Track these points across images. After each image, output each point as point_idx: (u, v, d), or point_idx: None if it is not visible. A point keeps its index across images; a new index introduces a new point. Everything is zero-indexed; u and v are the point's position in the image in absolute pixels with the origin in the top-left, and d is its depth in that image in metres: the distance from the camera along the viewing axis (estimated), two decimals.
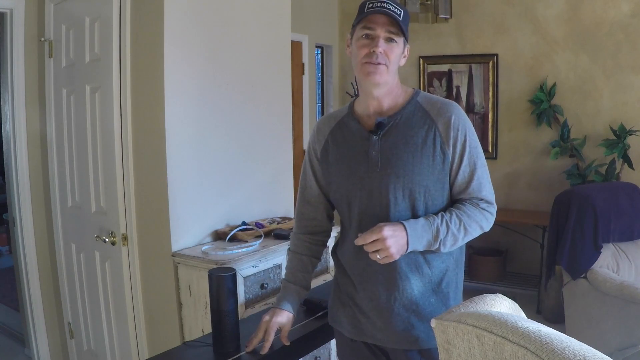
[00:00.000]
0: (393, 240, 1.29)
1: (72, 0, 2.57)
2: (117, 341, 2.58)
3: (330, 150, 1.51)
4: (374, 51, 1.35)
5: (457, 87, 4.60)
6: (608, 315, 2.71)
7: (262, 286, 2.30)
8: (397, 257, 1.32)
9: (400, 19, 1.34)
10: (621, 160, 3.84)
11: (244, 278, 2.22)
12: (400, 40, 1.37)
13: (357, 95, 1.56)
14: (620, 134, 3.82)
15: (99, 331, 2.67)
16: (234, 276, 1.56)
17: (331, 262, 1.92)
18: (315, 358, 2.44)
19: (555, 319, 3.62)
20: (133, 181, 2.38)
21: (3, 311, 4.02)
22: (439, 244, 1.35)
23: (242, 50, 2.57)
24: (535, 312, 3.93)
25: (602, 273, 2.82)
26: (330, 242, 1.90)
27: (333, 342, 1.91)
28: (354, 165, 1.43)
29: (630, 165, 3.80)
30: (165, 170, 2.26)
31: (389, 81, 1.40)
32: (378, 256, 1.31)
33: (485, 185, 1.43)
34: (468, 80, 4.54)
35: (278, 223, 2.64)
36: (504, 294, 1.18)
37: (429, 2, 4.41)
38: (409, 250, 1.33)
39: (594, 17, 4.01)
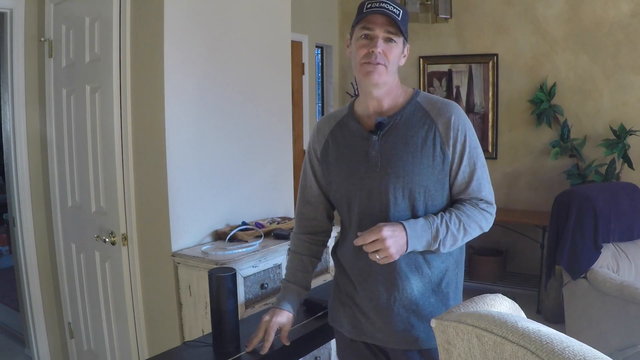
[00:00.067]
0: (392, 241, 1.29)
1: (72, 0, 2.57)
2: (117, 341, 2.58)
3: (330, 150, 1.51)
4: (372, 51, 1.35)
5: (457, 87, 4.60)
6: (608, 315, 2.71)
7: (262, 286, 2.30)
8: (396, 257, 1.32)
9: (399, 18, 1.34)
10: (621, 160, 3.84)
11: (244, 278, 2.22)
12: (399, 40, 1.37)
13: (357, 95, 1.56)
14: (620, 134, 3.83)
15: (99, 331, 2.67)
16: (234, 276, 1.56)
17: (331, 262, 1.92)
18: (315, 358, 2.44)
19: (555, 319, 3.62)
20: (133, 181, 2.38)
21: (3, 311, 4.02)
22: (439, 244, 1.35)
23: (242, 50, 2.57)
24: (535, 312, 3.93)
25: (602, 273, 2.82)
26: (330, 242, 1.89)
27: (333, 342, 1.91)
28: (354, 165, 1.43)
29: (630, 165, 3.80)
30: (165, 170, 2.26)
31: (388, 81, 1.40)
32: (377, 256, 1.31)
33: (484, 186, 1.43)
34: (468, 80, 4.54)
35: (278, 223, 2.64)
36: (504, 294, 1.18)
37: (429, 2, 4.41)
38: (408, 251, 1.33)
39: (594, 17, 4.01)
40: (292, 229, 1.70)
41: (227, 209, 2.53)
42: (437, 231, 1.35)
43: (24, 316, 2.94)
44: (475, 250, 4.40)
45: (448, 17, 4.41)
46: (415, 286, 1.41)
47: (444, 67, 4.64)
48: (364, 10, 1.35)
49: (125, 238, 2.42)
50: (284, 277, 1.65)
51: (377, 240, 1.29)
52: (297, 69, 4.35)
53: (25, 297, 2.88)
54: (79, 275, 2.75)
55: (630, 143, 3.84)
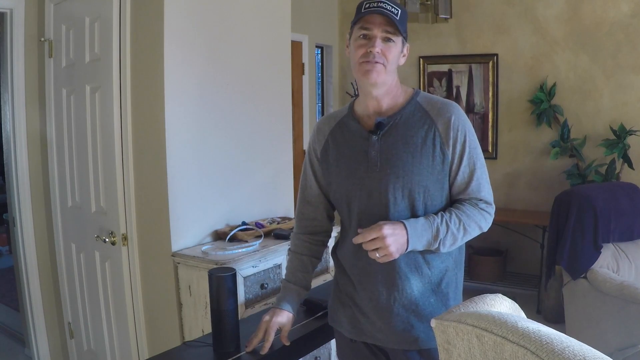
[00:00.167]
0: (393, 239, 1.29)
1: (72, 0, 2.57)
2: (117, 341, 2.58)
3: (330, 151, 1.51)
4: (370, 51, 1.35)
5: (457, 87, 4.60)
6: (608, 315, 2.71)
7: (262, 286, 2.30)
8: (396, 256, 1.31)
9: (398, 18, 1.34)
10: (621, 160, 3.84)
11: (244, 278, 2.22)
12: (398, 39, 1.37)
13: (357, 96, 1.56)
14: (620, 134, 3.82)
15: (99, 331, 2.67)
16: (234, 276, 1.56)
17: (331, 262, 1.92)
18: (315, 358, 2.44)
19: (555, 319, 3.62)
20: (133, 181, 2.38)
21: (3, 311, 4.02)
22: (439, 244, 1.35)
23: (242, 50, 2.57)
24: (535, 312, 3.93)
25: (602, 273, 2.82)
26: (330, 242, 1.89)
27: (333, 342, 1.91)
28: (354, 165, 1.43)
29: (630, 165, 3.80)
30: (165, 170, 2.26)
31: (387, 81, 1.40)
32: (377, 254, 1.30)
33: (484, 186, 1.43)
34: (468, 80, 4.54)
35: (278, 223, 2.64)
36: (504, 294, 1.18)
37: (429, 2, 4.42)
38: (408, 250, 1.33)
39: (594, 17, 4.01)
40: (292, 229, 1.70)
41: (227, 209, 2.53)
42: (438, 230, 1.35)
43: (24, 316, 2.94)
44: (475, 250, 4.39)
45: (448, 17, 4.41)
46: (415, 286, 1.41)
47: (444, 67, 4.64)
48: (362, 10, 1.35)
49: (125, 238, 2.42)
50: (284, 277, 1.65)
51: (377, 238, 1.29)
52: (297, 69, 4.35)
53: (25, 297, 2.88)
54: (79, 275, 2.75)
55: (630, 143, 3.84)
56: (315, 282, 2.36)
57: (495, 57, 4.40)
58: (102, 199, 2.52)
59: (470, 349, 0.97)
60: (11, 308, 3.97)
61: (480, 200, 1.43)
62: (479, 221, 1.41)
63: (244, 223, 2.53)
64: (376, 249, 1.30)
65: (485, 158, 1.46)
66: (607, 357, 0.81)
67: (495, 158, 4.48)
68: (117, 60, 2.34)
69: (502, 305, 1.13)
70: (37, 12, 2.75)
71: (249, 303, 2.24)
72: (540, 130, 4.26)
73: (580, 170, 4.00)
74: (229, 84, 2.51)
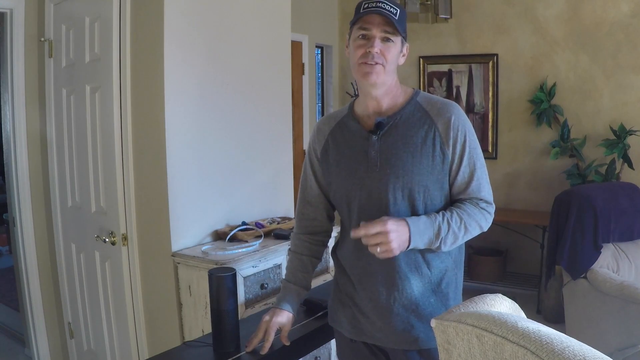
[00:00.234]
0: (395, 235, 1.28)
1: (72, 0, 2.57)
2: (117, 341, 2.58)
3: (330, 151, 1.51)
4: (369, 51, 1.35)
5: (457, 87, 4.60)
6: (608, 315, 2.71)
7: (262, 286, 2.30)
8: (397, 252, 1.30)
9: (396, 18, 1.34)
10: (621, 160, 3.84)
11: (244, 278, 2.22)
12: (397, 39, 1.37)
13: (357, 96, 1.56)
14: (620, 134, 3.82)
15: (99, 331, 2.67)
16: (234, 276, 1.56)
17: (331, 262, 1.92)
18: (315, 358, 2.44)
19: (555, 319, 3.62)
20: (133, 181, 2.38)
21: (3, 311, 4.02)
22: (440, 242, 1.35)
23: (242, 50, 2.57)
24: (535, 312, 3.93)
25: (602, 273, 2.82)
26: (331, 242, 1.90)
27: (333, 342, 1.91)
28: (354, 165, 1.43)
29: (630, 165, 3.80)
30: (165, 170, 2.26)
31: (386, 81, 1.40)
32: (378, 249, 1.29)
33: (484, 186, 1.43)
34: (468, 80, 4.54)
35: (278, 223, 2.64)
36: (504, 294, 1.18)
37: (429, 2, 4.42)
38: (410, 247, 1.32)
39: (594, 17, 4.01)
40: (292, 229, 1.70)
41: (227, 209, 2.53)
42: (439, 229, 1.34)
43: (24, 316, 2.94)
44: (475, 250, 4.39)
45: (448, 17, 4.41)
46: (415, 286, 1.41)
47: (444, 67, 4.64)
48: (361, 11, 1.35)
49: (125, 238, 2.42)
50: (284, 277, 1.65)
51: (380, 233, 1.27)
52: (297, 69, 4.35)
53: (25, 297, 2.88)
54: (79, 275, 2.75)
55: (630, 143, 3.84)
56: (315, 282, 2.36)
57: (495, 57, 4.40)
58: (102, 199, 2.52)
59: (470, 349, 0.97)
60: (11, 308, 3.97)
61: (481, 199, 1.43)
62: (479, 220, 1.41)
63: (244, 223, 2.53)
64: (377, 244, 1.28)
65: (485, 158, 1.46)
66: (607, 357, 0.81)
67: (495, 158, 4.48)
68: (117, 60, 2.33)
69: (502, 305, 1.13)
70: (37, 12, 2.75)
71: (249, 303, 2.24)
72: (540, 130, 4.26)
73: (580, 170, 4.00)
74: (229, 84, 2.51)
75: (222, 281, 1.53)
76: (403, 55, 1.43)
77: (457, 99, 4.55)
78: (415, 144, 1.38)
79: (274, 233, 2.48)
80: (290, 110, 2.92)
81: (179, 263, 2.28)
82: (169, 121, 2.25)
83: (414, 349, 1.42)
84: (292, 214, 2.86)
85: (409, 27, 1.46)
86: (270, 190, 2.78)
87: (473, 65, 4.50)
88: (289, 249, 1.66)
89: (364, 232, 1.29)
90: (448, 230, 1.35)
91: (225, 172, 2.52)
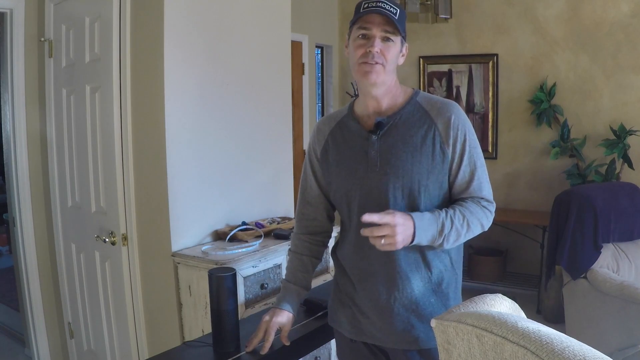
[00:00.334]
0: (402, 229, 1.26)
1: (72, 0, 2.57)
2: (117, 341, 2.58)
3: (330, 151, 1.51)
4: (370, 51, 1.35)
5: (457, 87, 4.60)
6: (608, 315, 2.71)
7: (262, 286, 2.30)
8: (400, 247, 1.28)
9: (396, 17, 1.34)
10: (621, 160, 3.84)
11: (244, 278, 2.22)
12: (397, 39, 1.37)
13: (357, 96, 1.56)
14: (620, 134, 3.83)
15: (99, 331, 2.67)
16: (234, 276, 1.56)
17: (331, 262, 1.92)
18: (315, 358, 2.44)
19: (555, 319, 3.62)
20: (133, 181, 2.38)
21: (3, 311, 4.03)
22: (443, 239, 1.34)
23: (242, 50, 2.57)
24: (535, 312, 3.93)
25: (602, 273, 2.82)
26: (331, 242, 1.90)
27: (333, 342, 1.91)
28: (354, 165, 1.43)
29: (630, 165, 3.80)
30: (165, 170, 2.26)
31: (386, 80, 1.40)
32: (382, 241, 1.26)
33: (485, 185, 1.43)
34: (468, 80, 4.54)
35: (278, 223, 2.64)
36: (504, 294, 1.18)
37: (429, 2, 4.42)
38: (413, 243, 1.30)
39: (594, 17, 4.01)
40: (292, 229, 1.70)
41: (227, 209, 2.53)
42: (443, 225, 1.33)
43: (24, 316, 2.94)
44: (475, 250, 4.39)
45: (448, 17, 4.41)
46: (415, 286, 1.41)
47: (444, 67, 4.64)
48: (361, 10, 1.35)
49: (125, 238, 2.42)
50: (284, 277, 1.65)
51: (388, 225, 1.26)
52: (297, 69, 4.35)
53: (25, 297, 2.88)
54: (79, 275, 2.75)
55: (630, 143, 3.84)
56: (315, 282, 2.36)
57: (495, 57, 4.40)
58: (102, 199, 2.52)
59: (470, 349, 0.97)
60: (11, 308, 3.97)
61: (482, 198, 1.43)
62: (481, 218, 1.40)
63: (244, 223, 2.53)
64: (381, 237, 1.26)
65: (485, 158, 1.46)
66: (607, 357, 0.81)
67: (495, 158, 4.48)
68: (117, 60, 2.33)
69: (502, 305, 1.13)
70: (37, 12, 2.75)
71: (249, 303, 2.24)
72: (540, 130, 4.26)
73: (580, 170, 4.00)
74: (229, 84, 2.51)
75: (222, 281, 1.53)
76: (402, 55, 1.43)
77: (457, 99, 4.55)
78: (415, 143, 1.38)
79: (274, 233, 2.48)
80: (290, 110, 2.92)
81: (179, 263, 2.28)
82: (169, 121, 2.25)
83: (414, 349, 1.42)
84: (292, 214, 2.86)
85: (408, 27, 1.46)
86: (270, 190, 2.78)
87: (473, 65, 4.51)
88: (289, 249, 1.66)
89: (377, 218, 1.26)
90: (451, 228, 1.34)
91: (225, 172, 2.52)
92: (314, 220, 1.61)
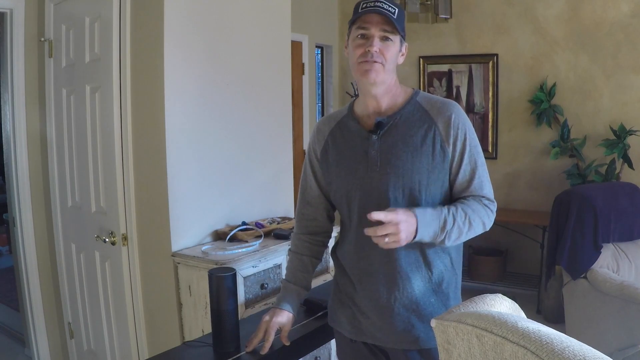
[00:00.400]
0: (405, 226, 1.26)
1: (72, 0, 2.57)
2: (117, 341, 2.58)
3: (330, 151, 1.51)
4: (369, 50, 1.35)
5: (457, 87, 4.60)
6: (608, 315, 2.71)
7: (262, 286, 2.30)
8: (403, 243, 1.27)
9: (395, 17, 1.34)
10: (621, 160, 3.84)
11: (244, 278, 2.22)
12: (396, 38, 1.37)
13: (357, 96, 1.56)
14: (620, 134, 3.83)
15: (99, 331, 2.67)
16: (234, 276, 1.56)
17: (331, 262, 1.92)
18: (315, 358, 2.44)
19: (555, 319, 3.62)
20: (133, 181, 2.38)
21: (3, 311, 4.02)
22: (445, 236, 1.33)
23: (242, 50, 2.57)
24: (535, 312, 3.93)
25: (602, 273, 2.82)
26: (331, 242, 1.90)
27: (333, 342, 1.91)
28: (354, 165, 1.43)
29: (630, 165, 3.80)
30: (165, 171, 2.26)
31: (386, 80, 1.40)
32: (386, 239, 1.25)
33: (486, 184, 1.43)
34: (468, 80, 4.54)
35: (278, 223, 2.64)
36: (504, 294, 1.18)
37: (429, 2, 4.42)
38: (415, 240, 1.29)
39: (594, 17, 4.01)
40: (292, 229, 1.70)
41: (227, 209, 2.53)
42: (445, 222, 1.32)
43: (24, 316, 2.94)
44: (475, 250, 4.39)
45: (448, 17, 4.41)
46: (416, 286, 1.41)
47: (444, 67, 4.64)
48: (359, 10, 1.36)
49: (125, 238, 2.42)
50: (284, 277, 1.65)
51: (392, 222, 1.24)
52: (297, 69, 4.35)
53: (25, 297, 2.88)
54: (79, 275, 2.75)
55: (630, 143, 3.84)
56: (315, 282, 2.36)
57: (495, 57, 4.40)
58: (102, 199, 2.52)
59: (470, 349, 0.97)
60: (11, 308, 3.97)
61: (483, 197, 1.43)
62: (483, 217, 1.40)
63: (244, 223, 2.53)
64: (385, 235, 1.25)
65: (485, 158, 1.46)
66: (607, 357, 0.81)
67: (495, 158, 4.47)
68: (117, 60, 2.33)
69: (502, 305, 1.13)
70: (37, 12, 2.75)
71: (249, 303, 2.24)
72: (540, 130, 4.26)
73: (580, 170, 4.00)
74: (229, 84, 2.51)
75: (222, 281, 1.53)
76: (402, 55, 1.43)
77: (457, 99, 4.55)
78: (415, 143, 1.38)
79: (274, 233, 2.48)
80: (290, 110, 2.92)
81: (179, 263, 2.28)
82: (169, 121, 2.25)
83: (414, 349, 1.42)
84: (292, 214, 2.86)
85: (408, 27, 1.46)
86: (270, 190, 2.78)
87: (473, 65, 4.50)
88: (289, 249, 1.66)
89: (383, 216, 1.23)
90: (453, 224, 1.33)
91: (225, 172, 2.52)
92: (314, 221, 1.61)
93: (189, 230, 2.36)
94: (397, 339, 1.43)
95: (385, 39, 1.36)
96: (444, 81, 4.65)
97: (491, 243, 4.44)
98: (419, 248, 1.40)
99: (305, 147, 4.27)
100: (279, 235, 2.45)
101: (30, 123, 2.80)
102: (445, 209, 1.35)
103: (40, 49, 2.78)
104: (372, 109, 1.45)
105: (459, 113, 1.40)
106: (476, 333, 0.95)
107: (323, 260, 2.57)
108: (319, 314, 1.83)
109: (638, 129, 3.85)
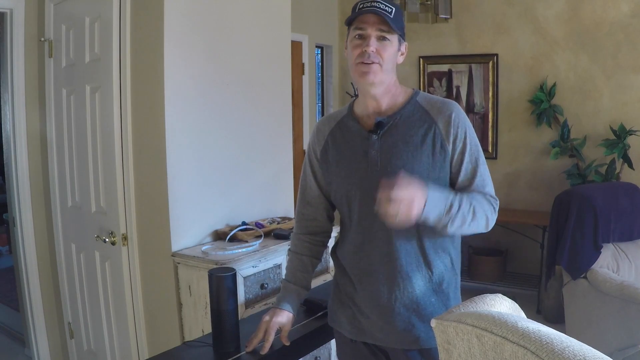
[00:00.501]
0: (417, 202, 1.22)
1: (72, 0, 2.57)
2: (117, 341, 2.58)
3: (330, 151, 1.51)
4: (365, 50, 1.35)
5: (457, 87, 4.60)
6: (608, 315, 2.71)
7: (262, 286, 2.30)
8: (413, 221, 1.24)
9: (391, 17, 1.34)
10: (621, 160, 3.84)
11: (244, 278, 2.22)
12: (393, 38, 1.37)
13: (357, 96, 1.56)
14: (620, 134, 3.83)
15: (99, 331, 2.67)
16: (234, 276, 1.56)
17: (331, 262, 1.92)
18: (315, 358, 2.44)
19: (555, 319, 3.62)
20: (133, 181, 2.38)
21: (3, 311, 4.02)
22: (448, 220, 1.31)
23: (242, 50, 2.57)
24: (535, 312, 3.93)
25: (602, 273, 2.82)
26: (331, 242, 1.90)
27: (333, 342, 1.91)
28: (354, 165, 1.43)
29: (630, 165, 3.80)
30: (165, 171, 2.26)
31: (384, 80, 1.40)
32: (397, 218, 1.21)
33: (487, 182, 1.43)
34: (468, 80, 4.54)
35: (278, 223, 2.64)
36: (504, 294, 1.18)
37: (429, 2, 4.41)
38: (422, 217, 1.26)
39: (594, 17, 4.01)
40: (292, 229, 1.70)
41: (227, 209, 2.53)
42: (451, 205, 1.31)
43: (24, 316, 2.94)
44: (475, 250, 4.39)
45: (448, 17, 4.41)
46: (416, 285, 1.41)
47: (444, 67, 4.64)
48: (356, 11, 1.36)
49: (125, 238, 2.42)
50: (284, 277, 1.65)
51: (405, 196, 1.20)
52: (297, 69, 4.35)
53: (25, 297, 2.88)
54: (79, 275, 2.75)
55: (630, 143, 3.84)
56: (315, 282, 2.35)
57: (495, 57, 4.40)
58: (102, 199, 2.52)
59: (470, 349, 0.97)
60: (11, 308, 3.97)
61: (486, 194, 1.42)
62: (486, 211, 1.38)
63: (244, 223, 2.53)
64: (395, 212, 1.20)
65: (485, 158, 1.46)
66: (607, 357, 0.81)
67: (495, 158, 4.47)
68: (117, 60, 2.33)
69: (502, 305, 1.13)
70: (37, 12, 2.75)
71: (249, 303, 2.24)
72: (540, 130, 4.26)
73: (580, 170, 4.00)
74: (229, 84, 2.51)
75: (222, 281, 1.53)
76: (402, 54, 1.43)
77: (457, 99, 4.55)
78: (416, 143, 1.38)
79: (274, 233, 2.48)
80: (290, 110, 2.92)
81: (179, 263, 2.28)
82: (169, 121, 2.25)
83: (414, 349, 1.42)
84: (292, 214, 2.86)
85: (408, 27, 1.46)
86: (270, 190, 2.78)
87: (473, 65, 4.50)
88: (289, 249, 1.66)
89: (399, 192, 1.19)
90: (458, 210, 1.31)
91: (225, 172, 2.52)
92: (313, 221, 1.61)
93: (189, 230, 2.36)
94: (398, 339, 1.43)
95: (382, 38, 1.36)
96: (444, 81, 4.65)
97: (491, 243, 4.44)
98: (420, 248, 1.40)
99: (305, 147, 4.27)
100: (279, 235, 2.45)
101: (30, 123, 2.80)
102: (452, 193, 1.33)
103: (40, 49, 2.78)
104: (372, 109, 1.45)
105: (458, 112, 1.40)
106: (476, 333, 0.95)
107: (323, 260, 2.57)
108: (319, 314, 1.83)
109: (638, 129, 3.85)
